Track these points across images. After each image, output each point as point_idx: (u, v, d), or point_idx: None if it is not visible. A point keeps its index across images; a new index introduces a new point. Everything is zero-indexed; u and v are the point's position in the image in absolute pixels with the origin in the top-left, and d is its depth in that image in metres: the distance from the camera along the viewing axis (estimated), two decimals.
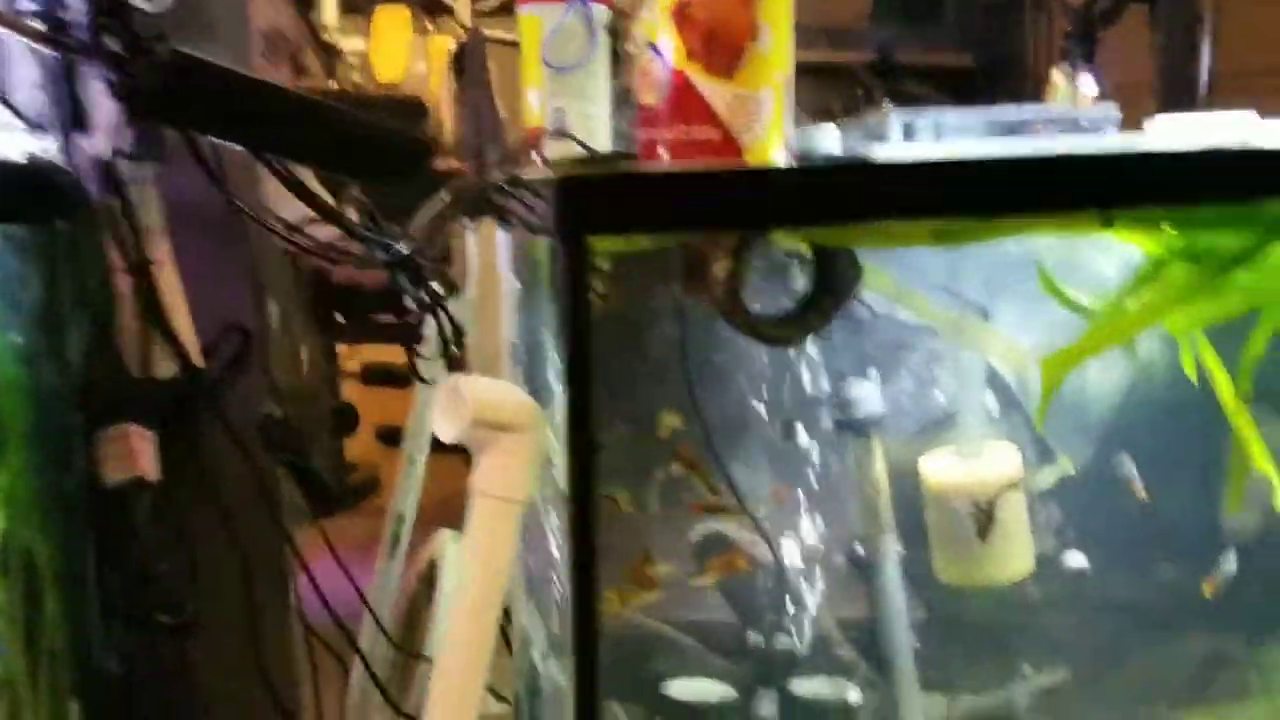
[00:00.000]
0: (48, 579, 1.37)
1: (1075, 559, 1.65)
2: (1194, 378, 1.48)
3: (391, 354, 1.70)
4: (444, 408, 1.21)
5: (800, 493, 1.60)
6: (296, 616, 1.69)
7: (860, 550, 1.62)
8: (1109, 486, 1.69)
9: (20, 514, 1.36)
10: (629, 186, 1.03)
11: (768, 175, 1.04)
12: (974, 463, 1.59)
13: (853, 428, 1.58)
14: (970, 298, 1.55)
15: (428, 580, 2.04)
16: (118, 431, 1.39)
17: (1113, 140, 1.28)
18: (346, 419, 2.39)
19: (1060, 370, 1.19)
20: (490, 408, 1.19)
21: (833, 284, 1.22)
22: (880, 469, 1.60)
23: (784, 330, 1.22)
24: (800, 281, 1.23)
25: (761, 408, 1.59)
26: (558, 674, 1.40)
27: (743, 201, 1.04)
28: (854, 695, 1.59)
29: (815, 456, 1.60)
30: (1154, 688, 1.73)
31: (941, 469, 1.60)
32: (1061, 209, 1.12)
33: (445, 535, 1.99)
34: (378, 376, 1.94)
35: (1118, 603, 1.73)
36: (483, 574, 1.22)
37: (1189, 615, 1.72)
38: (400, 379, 1.71)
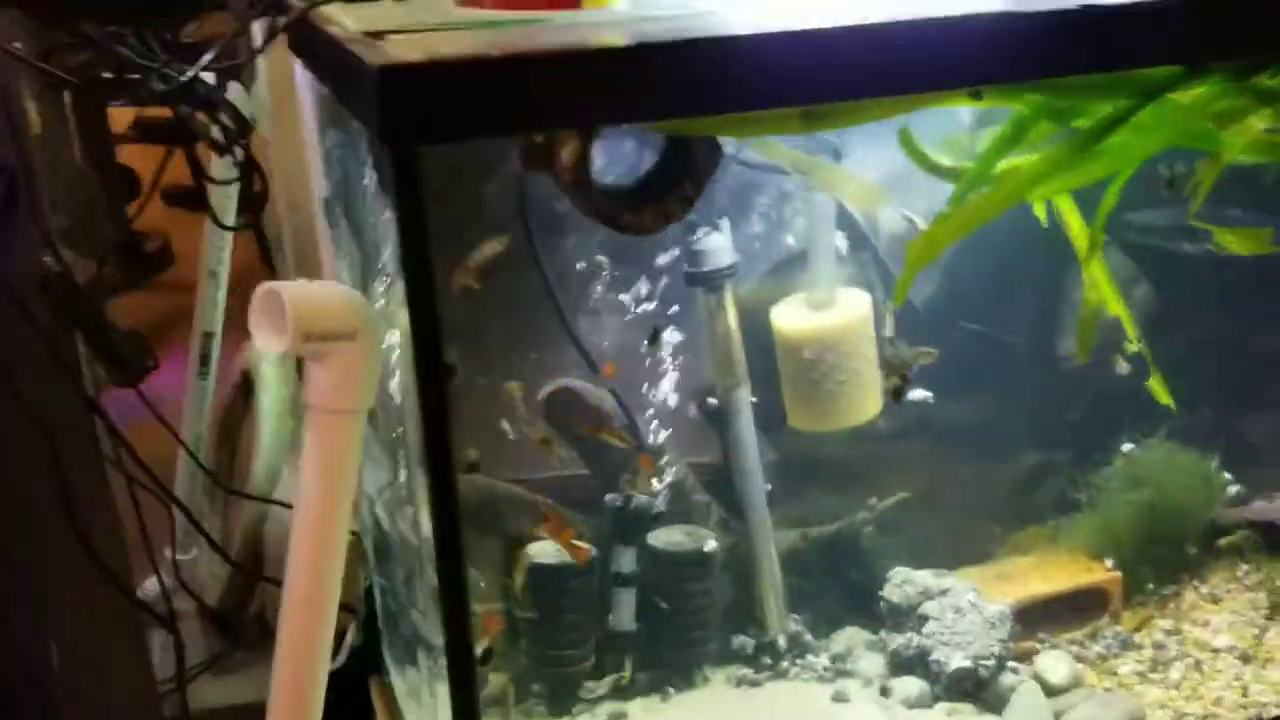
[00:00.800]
0: None
1: (919, 392, 1.67)
2: (1044, 221, 1.46)
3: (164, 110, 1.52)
4: (261, 317, 1.07)
5: (655, 349, 1.54)
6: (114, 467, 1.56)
7: (714, 402, 1.59)
8: (950, 319, 1.70)
9: None
10: (463, 85, 0.87)
11: (611, 66, 0.90)
12: (825, 312, 1.55)
13: (704, 281, 1.52)
14: (823, 137, 1.47)
15: (244, 391, 1.92)
16: None
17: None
18: (125, 183, 2.21)
19: (925, 255, 1.13)
20: (315, 319, 1.05)
21: (691, 169, 1.11)
22: (733, 321, 1.55)
23: (642, 218, 1.11)
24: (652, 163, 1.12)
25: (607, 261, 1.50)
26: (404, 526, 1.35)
27: (586, 96, 0.91)
28: (710, 544, 1.59)
29: (670, 311, 1.53)
30: (993, 506, 1.81)
31: (792, 319, 1.56)
32: (935, 87, 1.04)
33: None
34: (154, 134, 1.72)
35: (962, 430, 1.77)
36: (324, 491, 1.13)
37: (1028, 439, 1.79)
38: (181, 135, 1.53)
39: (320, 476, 1.13)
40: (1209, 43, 1.13)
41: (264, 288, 1.07)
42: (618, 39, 0.94)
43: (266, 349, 1.08)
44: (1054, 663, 1.58)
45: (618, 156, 1.14)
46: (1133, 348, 1.52)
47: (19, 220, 1.45)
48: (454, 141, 0.90)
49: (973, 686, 1.55)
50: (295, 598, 1.14)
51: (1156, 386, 1.51)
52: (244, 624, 1.89)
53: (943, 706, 1.55)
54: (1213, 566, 1.75)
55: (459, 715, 1.07)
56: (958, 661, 1.55)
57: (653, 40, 0.93)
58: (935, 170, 1.24)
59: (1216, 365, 1.79)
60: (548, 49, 0.91)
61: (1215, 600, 1.74)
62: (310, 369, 1.11)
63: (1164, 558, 1.73)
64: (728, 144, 1.49)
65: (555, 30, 1.01)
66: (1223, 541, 1.76)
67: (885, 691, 1.57)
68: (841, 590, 1.72)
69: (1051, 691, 1.55)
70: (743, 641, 1.64)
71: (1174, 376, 1.82)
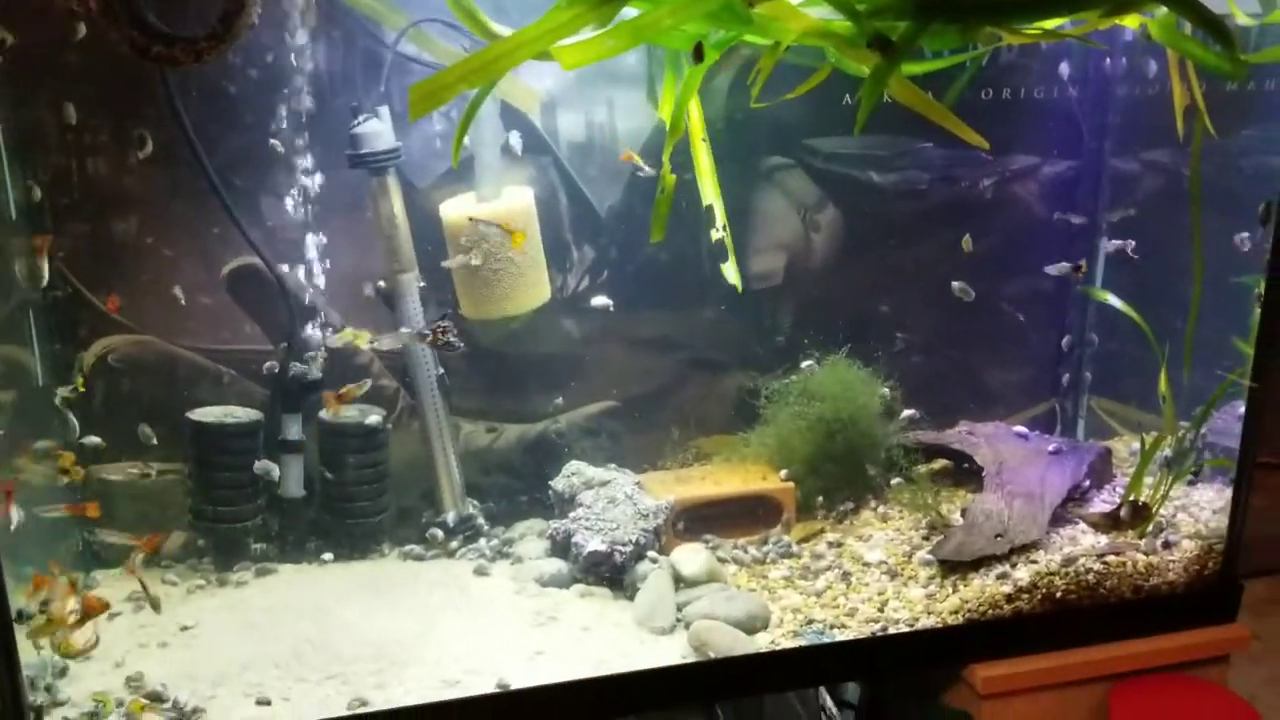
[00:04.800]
0: None
1: (600, 299, 1.73)
2: (665, 119, 1.53)
3: None
4: None
5: (324, 228, 1.64)
6: None
7: (384, 285, 1.68)
8: (636, 230, 1.76)
9: None
10: None
11: None
12: (489, 205, 1.64)
13: (364, 164, 1.61)
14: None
15: None
16: None
17: None
18: None
19: (426, 101, 1.21)
20: None
21: (224, 11, 1.22)
22: (398, 206, 1.63)
23: (174, 52, 1.21)
24: None
25: (278, 144, 1.59)
26: None
27: None
28: (374, 419, 1.67)
29: (335, 192, 1.63)
30: (684, 415, 1.87)
31: (452, 210, 1.65)
32: None
33: None
34: None
35: (653, 340, 1.83)
36: None
37: (717, 354, 1.86)
38: None
39: None
40: None
41: None
42: None
43: None
44: (689, 556, 1.63)
45: None
46: (716, 235, 1.58)
47: None
48: None
49: (609, 571, 1.61)
50: None
51: (731, 269, 1.58)
52: None
53: (579, 588, 1.62)
54: (894, 488, 1.79)
55: None
56: (594, 545, 1.61)
57: None
58: (484, 33, 1.33)
59: (897, 291, 1.84)
60: None
61: (886, 519, 1.78)
62: None
63: (835, 474, 1.78)
64: (385, 35, 1.59)
65: None
66: (892, 464, 1.79)
67: (522, 568, 1.64)
68: (526, 483, 1.80)
69: (683, 582, 1.61)
70: (418, 520, 1.73)
71: (855, 300, 1.88)
